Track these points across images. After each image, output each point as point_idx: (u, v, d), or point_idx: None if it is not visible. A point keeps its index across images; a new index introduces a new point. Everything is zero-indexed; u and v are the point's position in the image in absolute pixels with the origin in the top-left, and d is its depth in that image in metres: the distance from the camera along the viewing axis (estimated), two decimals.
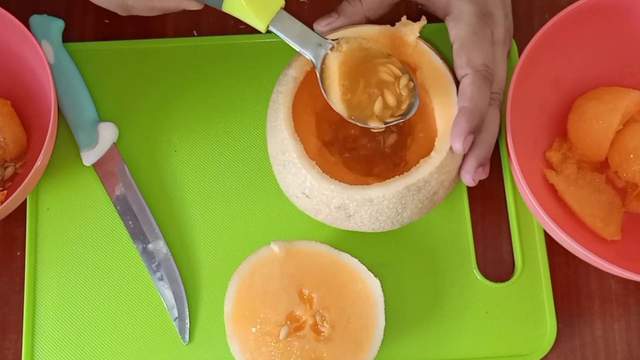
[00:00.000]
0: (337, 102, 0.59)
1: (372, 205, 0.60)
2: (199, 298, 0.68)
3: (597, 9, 0.64)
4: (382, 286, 0.64)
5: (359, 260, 0.65)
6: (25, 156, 0.70)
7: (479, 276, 0.69)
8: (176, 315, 0.67)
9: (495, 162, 0.72)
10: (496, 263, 0.70)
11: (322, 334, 0.63)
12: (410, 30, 0.62)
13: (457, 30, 0.62)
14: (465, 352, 0.67)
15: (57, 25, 0.72)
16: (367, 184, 0.60)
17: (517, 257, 0.69)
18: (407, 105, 0.60)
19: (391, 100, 0.60)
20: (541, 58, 0.65)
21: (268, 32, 0.60)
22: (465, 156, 0.62)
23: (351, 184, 0.60)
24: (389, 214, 0.61)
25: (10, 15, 0.65)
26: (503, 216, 0.71)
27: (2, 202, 0.65)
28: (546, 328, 0.68)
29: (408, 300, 0.68)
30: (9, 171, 0.69)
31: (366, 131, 0.67)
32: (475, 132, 0.60)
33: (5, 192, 0.67)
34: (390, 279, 0.68)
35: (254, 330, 0.63)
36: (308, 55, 0.60)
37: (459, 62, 0.61)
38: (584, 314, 0.69)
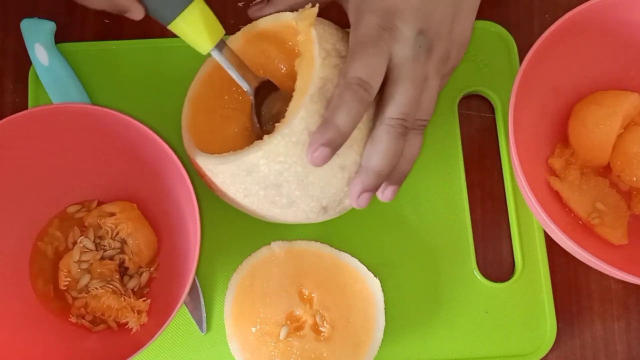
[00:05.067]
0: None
1: (213, 175, 0.59)
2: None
3: (593, 14, 0.64)
4: (382, 286, 0.64)
5: (359, 260, 0.65)
6: (157, 259, 0.68)
7: (479, 276, 0.69)
8: (192, 307, 0.67)
9: (495, 162, 0.72)
10: (496, 263, 0.70)
11: (322, 334, 0.63)
12: (303, 17, 0.60)
13: (350, 40, 0.58)
14: (466, 352, 0.67)
15: (49, 27, 0.71)
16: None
17: (517, 257, 0.69)
18: None
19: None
20: (540, 66, 0.64)
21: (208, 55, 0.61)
22: (353, 179, 0.58)
23: (204, 143, 0.61)
24: (235, 192, 0.59)
25: (143, 126, 0.61)
26: (503, 216, 0.71)
27: (148, 312, 0.65)
28: (546, 328, 0.68)
29: (408, 300, 0.68)
30: (145, 276, 0.67)
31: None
32: (329, 145, 0.55)
33: (149, 301, 0.65)
34: (390, 279, 0.68)
35: (254, 330, 0.63)
36: (245, 86, 0.62)
37: (341, 71, 0.57)
38: (584, 314, 0.69)
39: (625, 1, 0.64)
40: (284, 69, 0.66)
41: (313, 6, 0.60)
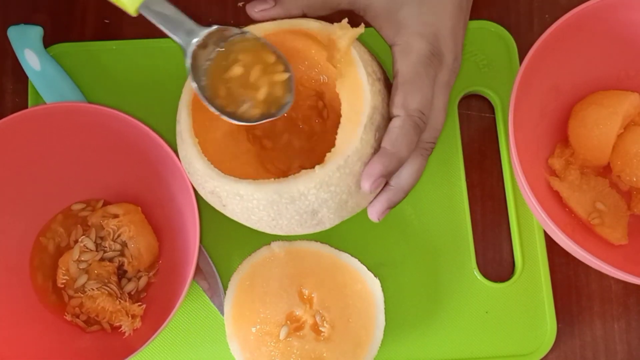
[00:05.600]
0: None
1: (242, 200, 0.56)
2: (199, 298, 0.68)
3: (593, 14, 0.64)
4: (382, 286, 0.64)
5: (359, 260, 0.65)
6: (157, 264, 0.68)
7: (479, 276, 0.69)
8: (211, 293, 0.67)
9: (495, 162, 0.72)
10: (496, 263, 0.70)
11: (322, 334, 0.63)
12: (343, 35, 0.57)
13: (401, 65, 0.57)
14: (466, 352, 0.67)
15: (36, 32, 0.71)
16: (253, 178, 0.57)
17: (517, 257, 0.69)
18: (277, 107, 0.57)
19: (262, 96, 0.56)
20: (540, 66, 0.64)
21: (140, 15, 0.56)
22: (378, 195, 0.59)
23: (226, 173, 0.56)
24: (261, 216, 0.57)
25: (143, 125, 0.62)
26: (503, 216, 0.71)
27: (143, 317, 0.64)
28: (546, 328, 0.68)
29: (408, 300, 0.68)
30: (143, 281, 0.66)
31: (298, 129, 0.66)
32: (387, 176, 0.57)
33: (144, 306, 0.65)
34: (390, 279, 0.68)
35: (254, 330, 0.63)
36: (178, 41, 0.57)
37: (395, 100, 0.57)
38: (584, 314, 0.69)
39: (625, 1, 0.64)
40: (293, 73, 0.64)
41: (348, 21, 0.57)
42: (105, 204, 0.68)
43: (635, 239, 0.67)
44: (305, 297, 0.64)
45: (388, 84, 0.60)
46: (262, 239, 0.68)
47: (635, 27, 0.66)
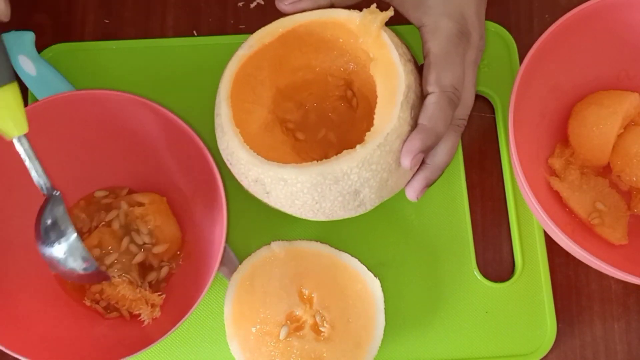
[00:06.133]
0: None
1: (287, 185, 0.57)
2: None
3: (593, 14, 0.64)
4: (382, 286, 0.64)
5: (359, 260, 0.65)
6: (180, 255, 0.68)
7: (479, 276, 0.69)
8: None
9: (495, 162, 0.72)
10: (496, 263, 0.70)
11: (322, 334, 0.63)
12: (374, 19, 0.59)
13: (431, 44, 0.60)
14: (465, 352, 0.67)
15: (28, 38, 0.71)
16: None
17: (517, 257, 0.69)
18: None
19: None
20: (540, 66, 0.64)
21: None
22: (415, 174, 0.61)
23: (269, 159, 0.58)
24: (305, 200, 0.58)
25: (173, 115, 0.61)
26: (503, 216, 0.71)
27: (162, 307, 0.64)
28: (546, 328, 0.68)
29: (408, 300, 0.68)
30: (164, 271, 0.67)
31: (329, 120, 0.68)
32: (426, 151, 0.58)
33: (164, 295, 0.65)
34: (390, 279, 0.68)
35: (254, 330, 0.63)
36: (44, 181, 0.56)
37: (429, 78, 0.59)
38: (584, 314, 0.69)
39: (625, 1, 0.64)
40: (330, 69, 0.66)
41: (377, 6, 0.60)
42: (130, 192, 0.68)
43: (635, 239, 0.67)
44: (305, 297, 0.64)
45: (417, 65, 0.62)
46: (262, 239, 0.67)
47: (635, 27, 0.66)
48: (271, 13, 0.62)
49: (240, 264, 0.65)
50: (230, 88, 0.60)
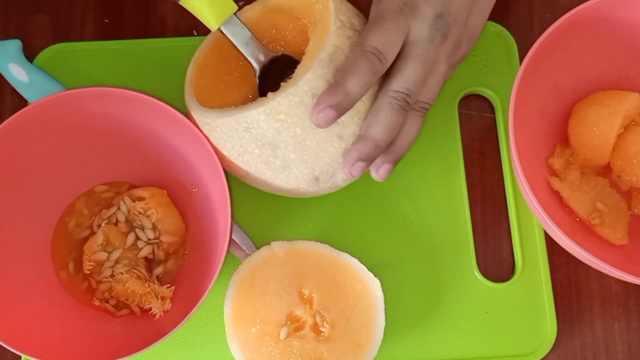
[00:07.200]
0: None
1: (211, 130, 0.60)
2: None
3: (593, 14, 0.64)
4: (382, 286, 0.64)
5: (359, 260, 0.65)
6: (184, 247, 0.68)
7: (479, 276, 0.69)
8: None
9: (495, 162, 0.72)
10: (496, 263, 0.70)
11: (322, 334, 0.63)
12: None
13: (371, 12, 0.60)
14: (465, 352, 0.67)
15: (15, 45, 0.71)
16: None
17: (517, 257, 0.69)
18: None
19: None
20: (540, 66, 0.64)
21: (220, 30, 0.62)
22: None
23: (204, 105, 0.61)
24: (228, 148, 0.60)
25: (170, 107, 0.62)
26: (503, 216, 0.71)
27: (172, 299, 0.65)
28: (546, 328, 0.68)
29: (408, 300, 0.68)
30: (171, 263, 0.67)
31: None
32: (335, 108, 0.56)
33: (173, 287, 0.65)
34: (390, 279, 0.68)
35: (254, 330, 0.63)
36: (252, 61, 0.63)
37: (358, 40, 0.59)
38: (584, 314, 0.69)
39: (625, 1, 0.64)
40: (295, 44, 0.67)
41: None
42: (131, 187, 0.68)
43: (635, 239, 0.67)
44: (305, 297, 0.64)
45: None
46: (262, 239, 0.67)
47: (635, 27, 0.66)
48: None
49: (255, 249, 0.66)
50: (204, 52, 0.64)
